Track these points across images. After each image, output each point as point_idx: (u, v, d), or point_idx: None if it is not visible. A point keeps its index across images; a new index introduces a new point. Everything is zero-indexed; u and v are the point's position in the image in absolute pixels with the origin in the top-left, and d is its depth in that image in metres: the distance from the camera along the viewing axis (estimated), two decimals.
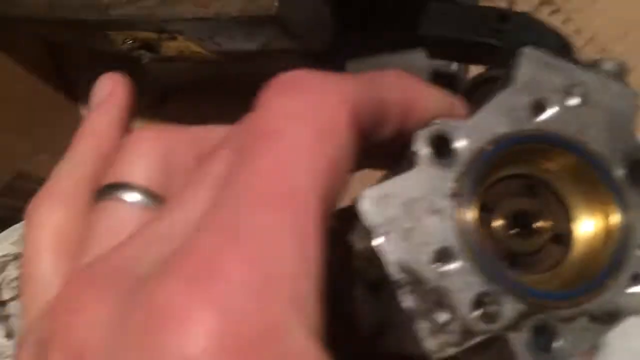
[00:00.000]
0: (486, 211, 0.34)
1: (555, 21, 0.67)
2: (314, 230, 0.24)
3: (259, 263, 0.22)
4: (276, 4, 0.46)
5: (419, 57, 0.56)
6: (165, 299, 0.22)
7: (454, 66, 0.58)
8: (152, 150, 0.33)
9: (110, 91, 0.37)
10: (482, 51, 0.46)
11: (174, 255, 0.23)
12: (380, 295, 0.32)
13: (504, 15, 0.47)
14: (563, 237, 0.34)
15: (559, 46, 0.47)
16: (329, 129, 0.26)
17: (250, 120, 0.27)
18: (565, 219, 0.34)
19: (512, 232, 0.34)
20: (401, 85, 0.31)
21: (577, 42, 0.66)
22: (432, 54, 0.54)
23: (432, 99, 0.32)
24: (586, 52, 0.64)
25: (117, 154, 0.34)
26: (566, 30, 0.67)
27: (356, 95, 0.27)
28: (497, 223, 0.33)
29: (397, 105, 0.30)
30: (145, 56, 0.58)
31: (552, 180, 0.34)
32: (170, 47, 0.57)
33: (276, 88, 0.27)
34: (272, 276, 0.22)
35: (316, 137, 0.25)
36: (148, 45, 0.57)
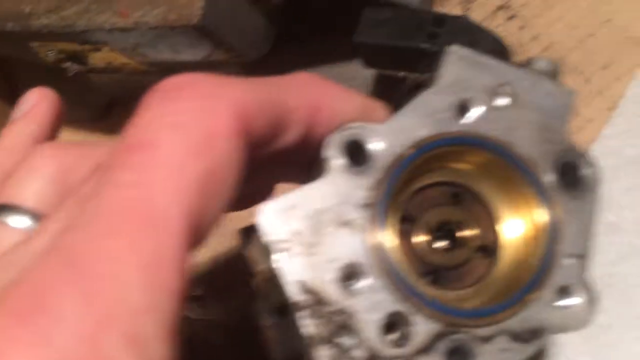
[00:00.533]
0: (407, 223, 0.31)
1: (512, 27, 0.65)
2: (172, 257, 0.21)
3: (96, 297, 0.20)
4: (200, 12, 0.44)
5: (361, 66, 0.54)
6: None
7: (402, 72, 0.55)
8: (47, 168, 0.30)
9: (33, 106, 0.35)
10: (418, 57, 0.43)
11: (4, 288, 0.20)
12: (288, 321, 0.29)
13: (439, 19, 0.44)
14: (490, 248, 0.31)
15: (497, 49, 0.44)
16: (208, 139, 0.23)
17: (126, 131, 0.24)
18: (492, 228, 0.31)
19: (436, 244, 0.31)
20: (306, 89, 0.28)
21: (534, 49, 0.64)
22: (368, 63, 0.51)
23: (343, 102, 0.29)
24: None
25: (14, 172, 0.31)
26: (523, 37, 0.65)
27: (248, 100, 0.25)
28: (419, 235, 0.31)
29: (300, 109, 0.28)
30: (72, 68, 0.55)
31: (477, 186, 0.31)
32: (97, 59, 0.55)
33: (157, 95, 0.25)
34: (110, 312, 0.20)
35: (191, 149, 0.23)
36: (74, 57, 0.55)
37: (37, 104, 0.35)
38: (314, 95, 0.28)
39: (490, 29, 0.45)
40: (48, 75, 0.58)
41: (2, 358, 0.18)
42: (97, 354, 0.19)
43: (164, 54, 0.50)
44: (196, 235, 0.23)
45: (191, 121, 0.23)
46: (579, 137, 0.61)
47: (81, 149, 0.31)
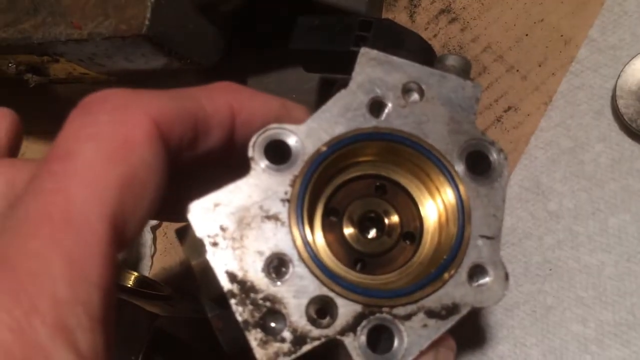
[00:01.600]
0: (335, 214, 0.33)
1: (454, 30, 0.68)
2: (96, 254, 0.23)
3: (23, 291, 0.22)
4: (147, 22, 0.46)
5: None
6: None
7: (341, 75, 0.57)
8: None
9: None
10: (349, 60, 0.45)
11: None
12: (230, 311, 0.32)
13: (366, 23, 0.47)
14: (414, 235, 0.33)
15: (421, 49, 0.47)
16: (124, 145, 0.26)
17: (52, 144, 0.26)
18: (416, 216, 0.34)
19: (363, 234, 0.33)
20: (223, 95, 0.31)
21: (474, 50, 0.67)
22: (308, 68, 0.54)
23: (260, 104, 0.31)
24: (483, 60, 0.65)
25: None
26: (464, 38, 0.68)
27: (163, 109, 0.27)
28: (347, 226, 0.33)
29: (218, 113, 0.30)
30: (33, 79, 0.57)
31: (398, 177, 0.34)
32: (57, 70, 0.57)
33: (78, 109, 0.27)
34: (36, 303, 0.22)
35: (108, 155, 0.25)
36: (34, 69, 0.57)
37: None
38: (231, 100, 0.30)
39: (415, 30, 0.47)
40: (12, 88, 0.60)
41: None
42: (26, 341, 0.21)
43: (120, 64, 0.52)
44: (122, 234, 0.25)
45: (107, 131, 0.26)
46: (518, 131, 0.64)
47: (26, 163, 0.33)
